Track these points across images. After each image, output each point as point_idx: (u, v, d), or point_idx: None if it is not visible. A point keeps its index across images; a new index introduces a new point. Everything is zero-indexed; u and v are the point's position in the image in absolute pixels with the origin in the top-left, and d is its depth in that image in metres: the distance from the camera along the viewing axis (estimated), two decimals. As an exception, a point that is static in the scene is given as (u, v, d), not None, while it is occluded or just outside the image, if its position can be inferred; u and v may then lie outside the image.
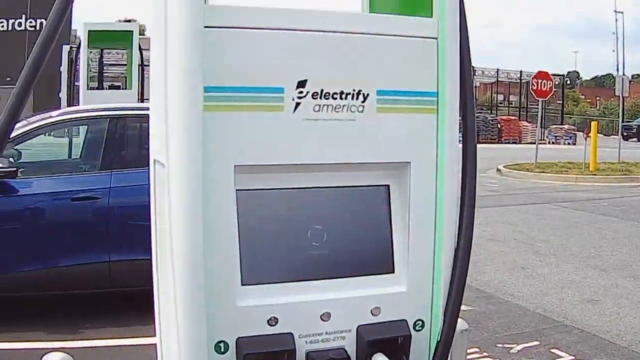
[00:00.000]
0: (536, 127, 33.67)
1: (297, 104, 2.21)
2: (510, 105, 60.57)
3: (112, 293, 7.68)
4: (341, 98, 2.26)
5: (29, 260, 7.25)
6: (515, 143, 47.73)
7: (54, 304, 7.63)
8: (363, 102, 2.28)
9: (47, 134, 8.95)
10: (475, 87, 55.84)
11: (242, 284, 2.18)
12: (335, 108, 2.25)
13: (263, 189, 2.22)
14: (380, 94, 2.31)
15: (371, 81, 2.30)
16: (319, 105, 2.23)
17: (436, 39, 2.37)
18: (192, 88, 2.07)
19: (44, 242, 7.31)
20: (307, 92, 2.22)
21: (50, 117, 8.34)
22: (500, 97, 61.80)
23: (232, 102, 2.13)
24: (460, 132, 2.46)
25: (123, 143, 7.81)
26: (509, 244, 12.98)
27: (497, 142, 47.44)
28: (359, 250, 2.38)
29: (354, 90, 2.27)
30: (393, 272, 2.39)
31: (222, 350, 2.17)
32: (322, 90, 2.23)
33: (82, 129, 9.97)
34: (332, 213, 2.34)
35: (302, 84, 2.21)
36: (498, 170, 27.31)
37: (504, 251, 12.28)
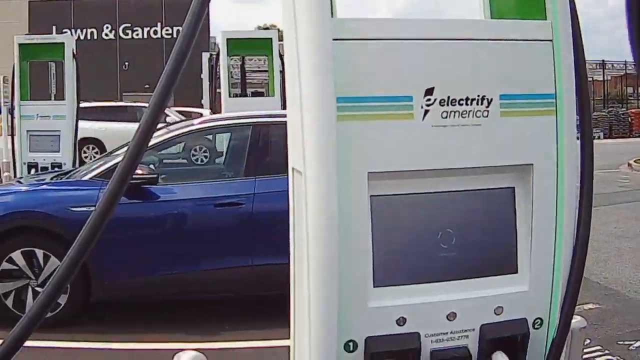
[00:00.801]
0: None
1: (426, 111, 2.24)
2: (639, 98, 58.58)
3: (254, 297, 7.77)
4: (467, 104, 2.28)
5: (172, 264, 7.34)
6: (640, 137, 46.06)
7: (196, 306, 7.77)
8: (487, 106, 2.30)
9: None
10: (607, 80, 54.29)
11: (374, 286, 2.23)
12: (461, 114, 2.27)
13: (395, 194, 2.26)
14: (503, 98, 2.31)
15: (494, 86, 2.31)
16: (447, 112, 2.26)
17: (551, 41, 2.37)
18: (326, 99, 2.13)
19: (187, 246, 7.39)
20: (435, 100, 2.24)
21: (192, 124, 8.46)
22: (630, 90, 59.83)
23: (363, 111, 2.18)
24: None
25: (267, 149, 7.78)
26: (638, 240, 12.58)
27: (629, 137, 45.94)
28: (485, 251, 2.39)
29: (478, 96, 2.28)
30: (516, 272, 2.40)
31: (351, 349, 2.23)
32: (448, 97, 2.26)
33: (225, 137, 10.05)
34: (460, 216, 2.36)
35: (429, 91, 2.24)
36: (629, 165, 26.49)
37: (633, 248, 11.90)
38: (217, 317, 7.55)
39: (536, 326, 2.43)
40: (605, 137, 43.78)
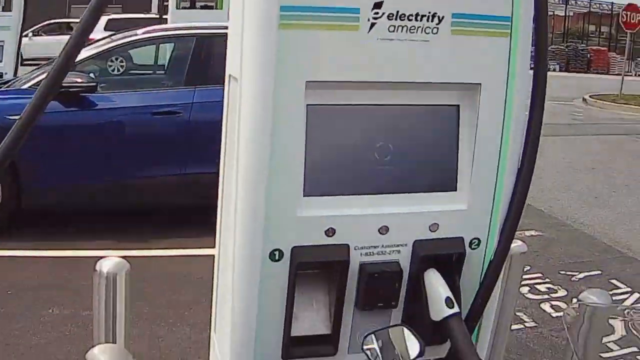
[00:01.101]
0: (624, 58, 32.98)
1: (373, 24, 2.18)
2: (601, 36, 58.99)
3: (184, 205, 7.79)
4: (416, 20, 2.21)
5: (107, 172, 7.35)
6: (603, 73, 46.52)
7: (125, 214, 7.74)
8: (438, 24, 2.24)
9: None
10: (569, 16, 54.44)
11: (304, 195, 2.19)
12: (409, 29, 2.21)
13: (333, 105, 2.22)
14: (456, 17, 2.25)
15: (447, 3, 2.24)
16: (394, 26, 2.19)
17: None
18: (268, 6, 2.06)
19: (122, 154, 7.41)
20: (383, 13, 2.18)
21: (135, 34, 8.39)
22: (592, 28, 60.16)
23: (307, 20, 2.11)
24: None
25: (208, 60, 7.75)
26: (586, 172, 12.71)
27: (586, 72, 46.44)
28: (423, 167, 2.36)
29: (429, 13, 2.22)
30: (455, 190, 2.38)
31: (277, 258, 2.21)
32: (397, 12, 2.19)
33: (169, 47, 10.03)
34: (400, 130, 2.32)
35: (378, 5, 2.17)
36: (584, 99, 26.78)
37: (581, 179, 12.03)
38: (145, 226, 7.57)
39: (473, 246, 2.42)
40: (561, 70, 44.09)
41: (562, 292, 6.71)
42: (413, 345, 2.16)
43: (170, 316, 5.58)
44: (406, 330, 2.19)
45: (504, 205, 2.41)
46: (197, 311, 5.37)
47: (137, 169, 7.40)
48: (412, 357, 2.13)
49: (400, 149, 2.31)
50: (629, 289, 6.88)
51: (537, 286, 6.79)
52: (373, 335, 2.20)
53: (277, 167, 2.12)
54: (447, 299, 2.30)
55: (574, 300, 6.28)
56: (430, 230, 2.36)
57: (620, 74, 32.67)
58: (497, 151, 2.37)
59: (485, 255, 2.46)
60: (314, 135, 2.18)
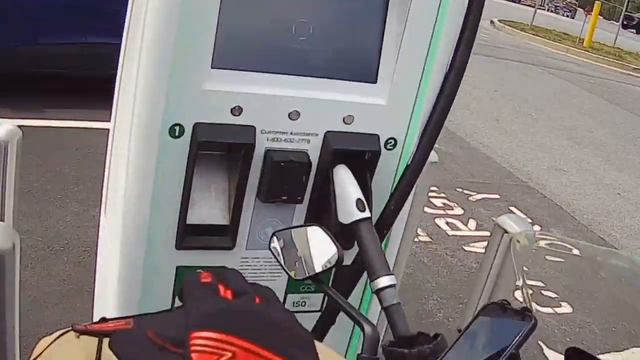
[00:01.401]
0: (538, -9, 33.25)
1: None
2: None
3: (83, 76, 7.56)
4: None
5: (7, 36, 7.06)
6: (513, 2, 46.89)
7: (21, 83, 7.40)
8: None
9: None
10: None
11: (212, 67, 1.96)
12: None
13: None
14: None
15: None
16: None
17: None
18: None
19: (23, 20, 7.07)
20: None
21: None
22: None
23: None
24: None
25: None
26: (489, 94, 12.65)
27: (492, -4, 46.75)
28: (344, 53, 2.17)
29: None
30: (375, 82, 2.18)
31: (177, 134, 1.99)
32: None
33: None
34: (323, 10, 2.12)
35: None
36: (492, 22, 26.81)
37: (482, 99, 11.94)
38: (42, 95, 7.26)
39: (389, 147, 2.25)
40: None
41: (458, 210, 6.65)
42: (328, 249, 1.78)
43: (59, 191, 5.31)
44: (321, 232, 1.81)
45: (426, 108, 2.23)
46: (88, 187, 5.13)
47: (39, 35, 7.09)
48: (319, 269, 1.75)
49: (321, 30, 2.11)
50: (529, 220, 6.79)
51: (433, 200, 6.69)
52: (276, 235, 1.84)
53: (185, 33, 1.88)
54: (358, 201, 2.10)
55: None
56: (345, 122, 2.17)
57: (531, 5, 32.90)
58: (426, 48, 2.18)
59: (400, 158, 2.29)
60: (229, 3, 1.93)
